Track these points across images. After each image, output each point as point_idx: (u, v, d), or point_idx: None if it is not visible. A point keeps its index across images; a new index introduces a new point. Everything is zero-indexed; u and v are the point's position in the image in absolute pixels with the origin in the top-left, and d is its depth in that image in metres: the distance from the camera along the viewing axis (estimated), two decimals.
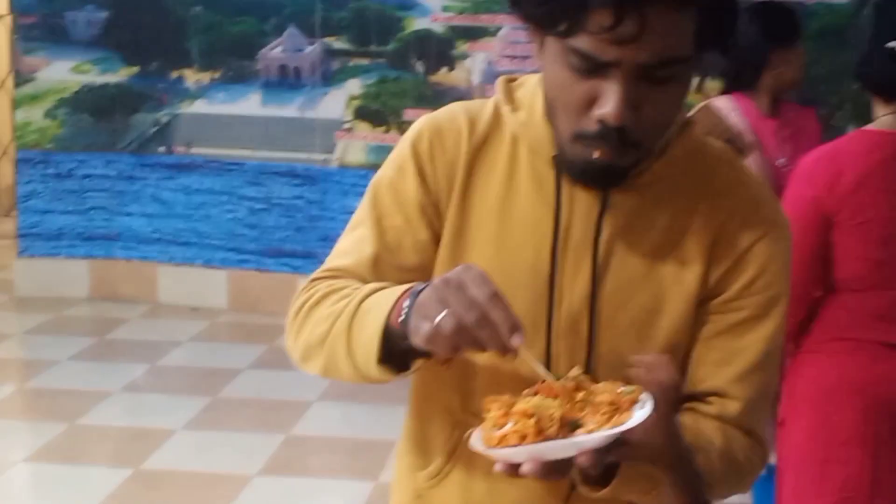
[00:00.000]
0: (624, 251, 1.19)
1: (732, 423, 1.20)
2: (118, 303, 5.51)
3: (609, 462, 1.04)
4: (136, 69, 5.47)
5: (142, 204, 5.54)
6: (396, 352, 1.09)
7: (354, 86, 5.26)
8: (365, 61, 5.25)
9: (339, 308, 1.15)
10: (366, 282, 1.19)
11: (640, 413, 1.00)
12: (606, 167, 1.12)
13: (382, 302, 1.10)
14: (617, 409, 1.01)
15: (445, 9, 5.09)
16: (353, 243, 1.25)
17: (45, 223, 5.59)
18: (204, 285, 5.44)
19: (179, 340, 4.94)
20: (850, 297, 2.10)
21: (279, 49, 5.33)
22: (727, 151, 1.27)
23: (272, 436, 3.90)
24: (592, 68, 1.05)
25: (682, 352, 1.21)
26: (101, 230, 5.60)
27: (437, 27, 5.12)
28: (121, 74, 5.48)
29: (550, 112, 1.15)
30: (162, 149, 5.49)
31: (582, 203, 1.19)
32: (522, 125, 1.21)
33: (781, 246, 1.22)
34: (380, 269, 1.22)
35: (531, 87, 1.23)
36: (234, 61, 5.38)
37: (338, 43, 5.28)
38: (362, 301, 1.13)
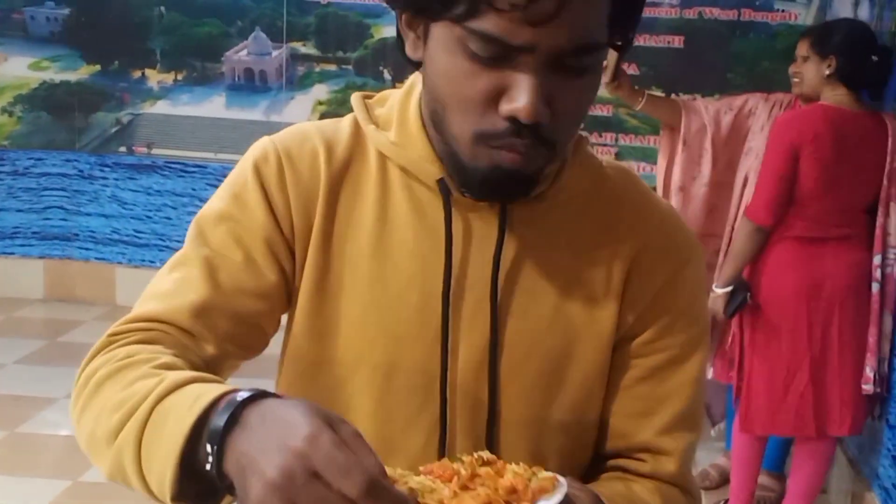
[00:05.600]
0: (527, 290, 1.03)
1: (669, 481, 1.07)
2: (74, 304, 5.41)
3: None
4: (96, 68, 5.38)
5: (100, 204, 5.45)
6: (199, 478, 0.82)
7: (321, 91, 5.20)
8: (331, 67, 5.20)
9: (132, 402, 0.87)
10: (186, 334, 0.99)
11: None
12: (514, 173, 0.95)
13: (183, 414, 0.81)
14: (517, 498, 0.83)
15: None
16: (173, 285, 1.02)
17: (0, 221, 5.49)
18: None
19: None
20: (804, 206, 3.07)
21: (244, 52, 5.26)
22: (624, 169, 1.13)
23: None
24: (499, 55, 0.89)
25: (596, 401, 1.07)
26: (57, 230, 5.50)
27: None
28: (81, 72, 5.39)
29: (437, 118, 0.97)
30: (122, 149, 5.40)
31: (477, 233, 1.03)
32: (395, 146, 1.04)
33: (700, 274, 1.10)
34: (207, 318, 1.00)
35: (395, 104, 1.07)
36: (199, 63, 5.31)
37: (304, 48, 5.22)
38: (159, 401, 0.85)
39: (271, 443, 0.74)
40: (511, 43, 0.88)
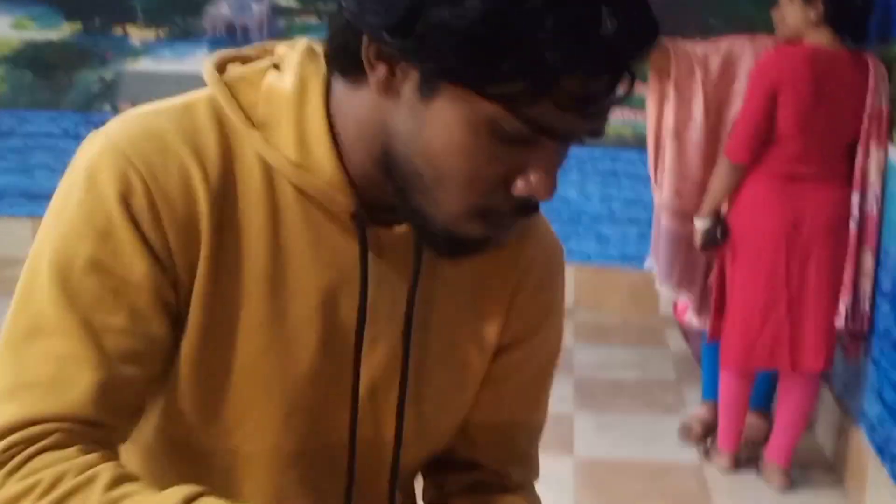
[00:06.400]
0: (435, 325, 0.97)
1: (531, 489, 1.09)
2: None
3: None
4: (78, 25, 5.34)
5: None
6: None
7: None
8: (313, 20, 5.18)
9: None
10: (92, 427, 0.83)
11: None
12: (486, 240, 0.88)
13: None
14: None
15: None
16: (52, 366, 0.82)
17: None
18: None
19: None
20: (783, 145, 3.13)
21: (225, 6, 5.23)
22: None
23: None
24: (530, 139, 0.81)
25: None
26: (44, 189, 5.47)
27: None
28: (63, 31, 5.34)
29: (413, 182, 0.84)
30: (107, 106, 5.38)
31: (389, 269, 0.92)
32: (296, 169, 0.87)
33: (561, 287, 1.06)
34: (107, 400, 0.83)
35: (285, 108, 0.88)
36: (180, 18, 5.27)
37: (285, 1, 5.19)
38: None
39: None
40: (557, 132, 0.81)
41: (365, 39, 0.83)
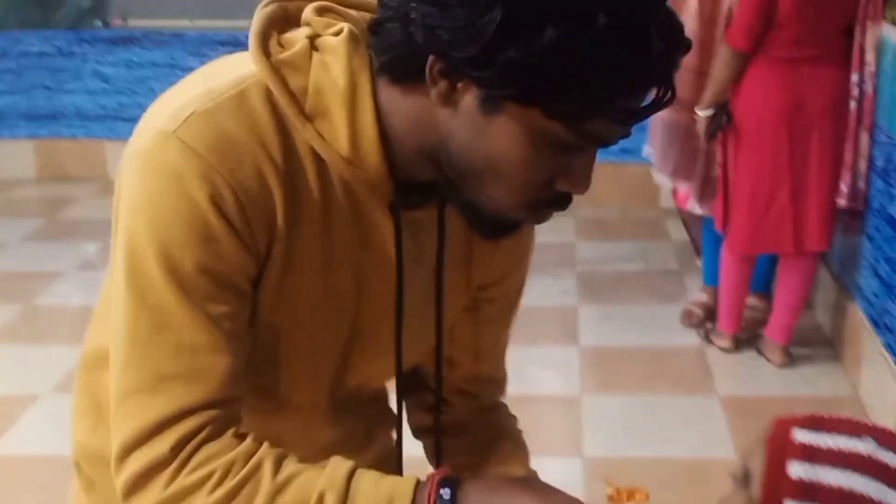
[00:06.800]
0: (451, 283, 1.10)
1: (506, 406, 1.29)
2: (67, 182, 5.47)
3: None
4: None
5: (83, 80, 5.43)
6: None
7: None
8: None
9: None
10: (230, 404, 0.93)
11: None
12: (523, 222, 1.02)
13: None
14: None
15: None
16: (185, 356, 0.91)
17: None
18: None
19: None
20: (783, 28, 3.14)
21: None
22: None
23: None
24: (578, 146, 0.91)
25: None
26: (43, 109, 5.50)
27: None
28: None
29: (468, 178, 0.93)
30: (98, 23, 5.35)
31: (417, 244, 1.04)
32: (349, 165, 0.94)
33: (532, 244, 1.19)
34: (236, 376, 0.94)
35: (338, 101, 0.93)
36: None
37: None
38: None
39: None
40: (606, 141, 0.91)
41: (432, 58, 0.88)
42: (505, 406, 1.28)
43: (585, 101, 0.86)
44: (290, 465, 0.92)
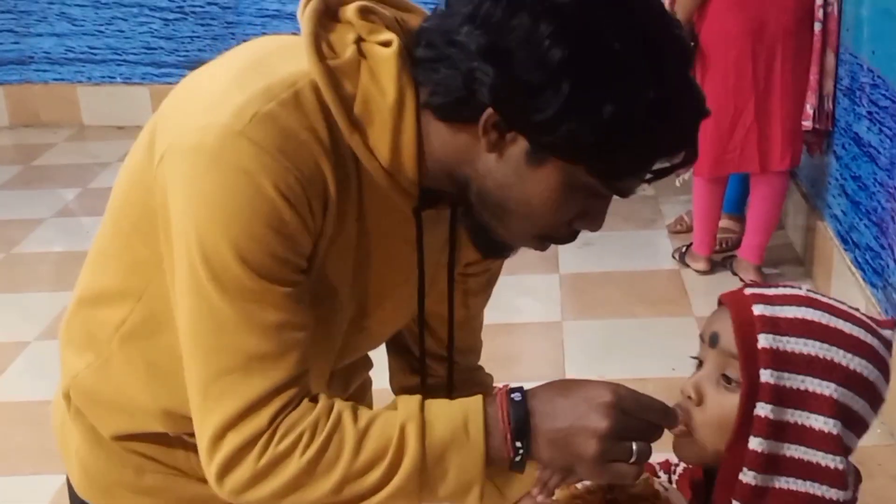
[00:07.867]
0: (437, 269, 1.20)
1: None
2: (41, 128, 5.44)
3: None
4: None
5: (50, 23, 5.38)
6: None
7: None
8: None
9: (388, 454, 0.99)
10: (304, 375, 1.01)
11: None
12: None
13: (467, 444, 0.99)
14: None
15: None
16: (272, 336, 0.98)
17: None
18: (128, 103, 5.35)
19: (108, 161, 4.89)
20: None
21: None
22: None
23: None
24: (603, 195, 1.01)
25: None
26: (11, 54, 5.45)
27: None
28: None
29: (492, 211, 1.01)
30: None
31: (433, 236, 1.12)
32: (387, 176, 1.01)
33: None
34: (306, 351, 1.02)
35: (386, 113, 0.99)
36: None
37: None
38: (424, 455, 0.99)
39: (581, 411, 0.98)
40: (630, 193, 1.01)
41: (490, 111, 0.95)
42: (481, 368, 1.37)
43: (628, 163, 0.97)
44: (365, 411, 1.01)
